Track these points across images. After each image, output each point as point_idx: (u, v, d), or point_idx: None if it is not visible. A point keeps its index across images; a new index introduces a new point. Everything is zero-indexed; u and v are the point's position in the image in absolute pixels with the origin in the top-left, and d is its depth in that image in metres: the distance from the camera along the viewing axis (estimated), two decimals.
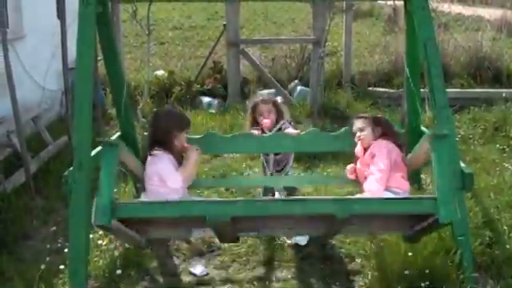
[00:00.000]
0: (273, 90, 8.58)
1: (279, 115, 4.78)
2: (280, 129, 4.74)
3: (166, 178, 4.08)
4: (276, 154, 4.80)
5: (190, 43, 12.78)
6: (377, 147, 4.22)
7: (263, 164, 4.90)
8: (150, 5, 7.83)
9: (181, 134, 4.27)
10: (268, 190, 4.96)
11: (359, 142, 4.42)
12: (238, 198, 3.93)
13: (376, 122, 4.42)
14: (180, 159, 4.26)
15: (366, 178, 4.21)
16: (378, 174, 4.06)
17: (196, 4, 14.82)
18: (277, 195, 4.49)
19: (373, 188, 4.03)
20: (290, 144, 4.64)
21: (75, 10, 4.01)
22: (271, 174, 4.80)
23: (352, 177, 4.50)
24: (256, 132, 4.69)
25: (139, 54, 11.29)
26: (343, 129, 4.77)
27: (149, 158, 4.21)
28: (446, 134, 3.58)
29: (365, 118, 4.47)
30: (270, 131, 4.70)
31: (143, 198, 4.24)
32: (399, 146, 4.31)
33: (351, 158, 4.65)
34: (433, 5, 7.79)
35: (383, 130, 4.37)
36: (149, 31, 8.11)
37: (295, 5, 13.69)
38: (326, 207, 3.36)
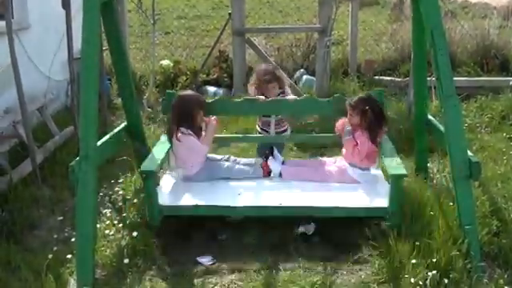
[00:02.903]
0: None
1: (280, 84, 5.41)
2: (283, 92, 5.44)
3: (195, 152, 4.89)
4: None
5: (195, 33, 12.73)
6: (360, 146, 4.83)
7: (259, 131, 5.62)
8: None
9: (198, 114, 4.92)
10: (262, 150, 5.48)
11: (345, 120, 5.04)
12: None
13: (364, 115, 4.82)
14: (200, 131, 4.99)
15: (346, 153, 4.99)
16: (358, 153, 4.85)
17: None
18: (275, 153, 5.20)
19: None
20: (288, 108, 5.24)
21: (80, 0, 4.00)
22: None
23: (338, 131, 5.18)
24: (261, 98, 5.20)
25: (144, 44, 11.26)
26: (334, 95, 5.24)
27: (180, 135, 4.80)
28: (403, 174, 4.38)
29: (356, 107, 4.85)
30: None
31: (173, 165, 5.09)
32: (375, 140, 4.85)
33: None
34: None
35: (367, 124, 4.81)
36: (154, 21, 8.10)
37: None
38: (303, 212, 4.52)
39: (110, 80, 8.21)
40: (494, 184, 5.15)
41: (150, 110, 7.82)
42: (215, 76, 9.19)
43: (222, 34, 9.18)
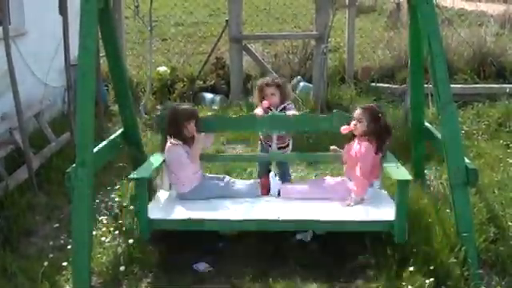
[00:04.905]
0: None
1: (283, 96, 5.26)
2: (284, 108, 5.22)
3: (183, 166, 4.74)
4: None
5: (192, 39, 12.74)
6: (364, 153, 4.57)
7: (262, 143, 5.38)
8: (151, 1, 7.88)
9: (187, 124, 4.77)
10: (263, 170, 5.37)
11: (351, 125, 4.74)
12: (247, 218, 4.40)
13: (375, 121, 4.63)
14: (191, 142, 4.81)
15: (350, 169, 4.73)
16: (359, 182, 4.55)
17: (198, 0, 14.79)
18: (272, 174, 5.00)
19: (359, 194, 4.56)
20: (286, 124, 5.08)
21: (77, 6, 4.00)
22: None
23: (344, 131, 4.81)
24: (259, 113, 5.09)
25: (141, 51, 11.26)
26: (334, 111, 5.24)
27: (167, 146, 4.77)
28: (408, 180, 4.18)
29: (367, 111, 4.68)
30: (277, 109, 5.19)
31: (166, 179, 4.94)
32: (380, 150, 4.62)
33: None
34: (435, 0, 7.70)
35: (377, 131, 4.62)
36: (151, 27, 8.10)
37: (298, 0, 13.64)
38: (308, 226, 4.42)
39: (106, 86, 8.20)
40: (491, 191, 5.16)
41: (146, 116, 7.81)
42: (212, 83, 9.18)
43: (219, 40, 9.19)
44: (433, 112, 6.80)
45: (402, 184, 4.12)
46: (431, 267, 3.83)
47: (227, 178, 5.04)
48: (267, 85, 5.20)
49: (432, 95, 5.71)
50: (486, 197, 5.00)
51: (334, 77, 9.14)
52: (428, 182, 5.38)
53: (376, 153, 4.59)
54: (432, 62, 4.04)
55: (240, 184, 4.93)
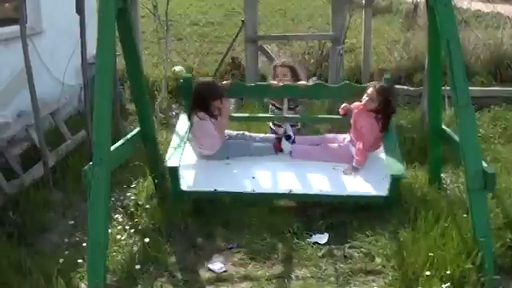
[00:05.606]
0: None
1: (296, 79, 5.67)
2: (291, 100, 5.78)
3: (210, 137, 5.31)
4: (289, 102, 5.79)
5: (207, 39, 12.75)
6: (368, 127, 5.19)
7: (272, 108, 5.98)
8: (168, 0, 7.90)
9: (215, 102, 5.29)
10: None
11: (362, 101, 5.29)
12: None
13: (385, 103, 5.18)
14: (217, 114, 5.35)
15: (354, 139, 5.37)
16: (360, 154, 5.20)
17: (214, 0, 14.82)
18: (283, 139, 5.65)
19: (359, 164, 5.22)
20: (299, 92, 5.62)
21: (94, 5, 4.01)
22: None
23: (342, 112, 5.58)
24: (274, 82, 5.59)
25: (157, 50, 11.28)
26: (342, 83, 5.94)
27: (196, 119, 5.26)
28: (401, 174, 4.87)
29: (381, 93, 5.16)
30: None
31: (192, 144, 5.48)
32: (383, 126, 5.24)
33: None
34: (453, 1, 7.56)
35: (385, 111, 5.19)
36: (167, 27, 8.11)
37: (314, 1, 13.61)
38: (319, 199, 5.00)
39: (122, 85, 8.21)
40: (508, 196, 5.09)
41: (162, 115, 7.82)
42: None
43: (234, 40, 9.19)
44: (449, 115, 6.73)
45: (394, 178, 4.76)
46: (447, 272, 3.80)
47: (247, 133, 5.73)
48: (281, 66, 5.69)
49: (449, 97, 5.67)
50: (503, 202, 4.94)
51: (350, 78, 9.08)
52: (445, 186, 5.33)
53: (381, 131, 5.21)
54: (450, 65, 4.00)
55: (259, 140, 5.64)
